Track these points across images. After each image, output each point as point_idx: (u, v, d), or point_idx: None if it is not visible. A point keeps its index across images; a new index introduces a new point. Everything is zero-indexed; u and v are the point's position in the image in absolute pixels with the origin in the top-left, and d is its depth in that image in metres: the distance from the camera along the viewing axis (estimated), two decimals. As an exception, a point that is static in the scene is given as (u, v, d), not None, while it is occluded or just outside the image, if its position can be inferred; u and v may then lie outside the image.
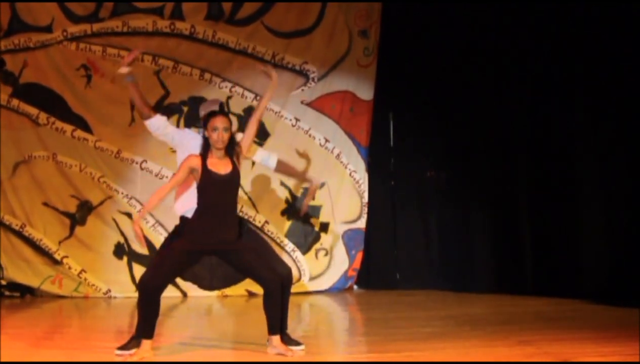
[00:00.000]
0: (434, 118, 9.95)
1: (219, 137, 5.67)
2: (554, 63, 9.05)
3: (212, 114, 5.75)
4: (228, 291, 9.68)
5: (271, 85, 6.04)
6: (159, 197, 5.78)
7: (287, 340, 6.01)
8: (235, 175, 5.73)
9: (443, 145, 9.93)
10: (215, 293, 9.62)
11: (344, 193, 10.19)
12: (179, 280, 9.59)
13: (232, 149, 5.76)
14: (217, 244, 5.65)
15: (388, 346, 6.32)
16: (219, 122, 5.69)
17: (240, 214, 9.86)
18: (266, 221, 9.95)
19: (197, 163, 5.67)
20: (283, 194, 10.03)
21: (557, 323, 7.40)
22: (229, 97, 9.97)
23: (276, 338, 5.76)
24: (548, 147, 9.19)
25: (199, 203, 5.70)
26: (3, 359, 5.57)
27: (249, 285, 9.75)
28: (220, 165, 5.70)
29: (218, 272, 5.94)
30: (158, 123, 6.24)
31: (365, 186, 10.18)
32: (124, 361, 5.66)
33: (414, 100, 10.13)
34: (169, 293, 9.29)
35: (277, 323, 5.76)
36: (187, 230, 5.74)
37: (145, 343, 5.63)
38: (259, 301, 9.39)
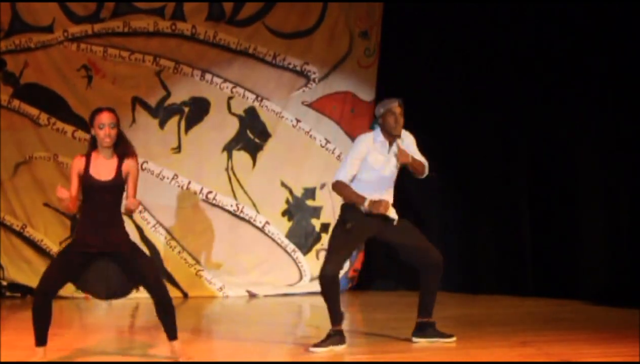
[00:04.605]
0: (435, 119, 9.93)
1: (105, 133, 5.43)
2: (557, 67, 9.04)
3: (97, 111, 5.50)
4: (229, 291, 9.70)
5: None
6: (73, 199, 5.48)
7: (436, 332, 6.26)
8: (116, 182, 5.48)
9: (444, 146, 9.91)
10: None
11: (345, 194, 10.17)
12: (181, 281, 9.65)
13: (122, 148, 5.53)
14: (104, 246, 5.42)
15: (388, 346, 6.33)
16: (105, 118, 5.45)
17: (241, 215, 9.90)
18: (267, 222, 9.95)
19: (80, 166, 5.48)
20: (283, 195, 10.03)
21: (557, 323, 7.40)
22: (230, 98, 9.98)
23: (174, 343, 5.61)
24: (549, 148, 9.19)
25: (82, 205, 5.51)
26: (3, 360, 5.57)
27: (250, 285, 9.81)
28: (103, 169, 5.48)
29: (112, 282, 5.58)
30: (342, 176, 6.24)
31: (366, 187, 10.17)
32: (127, 362, 5.66)
33: (414, 101, 10.06)
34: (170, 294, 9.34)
35: (174, 328, 5.60)
36: (76, 232, 5.59)
37: (38, 350, 5.43)
38: (260, 302, 9.46)
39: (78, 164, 5.51)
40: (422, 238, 6.34)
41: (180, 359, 5.60)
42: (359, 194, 6.18)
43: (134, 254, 5.53)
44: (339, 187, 6.26)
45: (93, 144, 5.55)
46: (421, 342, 6.27)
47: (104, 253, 5.45)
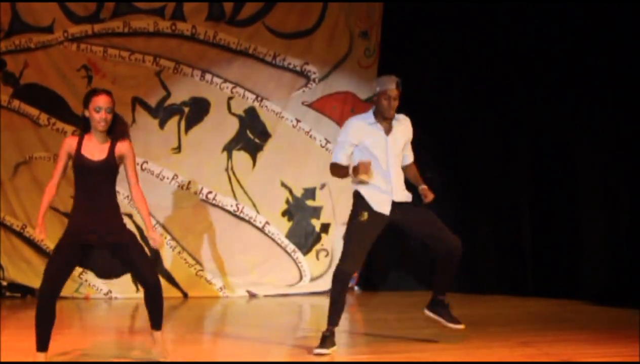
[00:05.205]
0: (435, 119, 9.94)
1: (101, 117, 5.32)
2: (557, 67, 9.05)
3: (93, 93, 5.41)
4: (229, 291, 9.70)
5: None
6: (51, 195, 5.49)
7: (446, 313, 6.23)
8: (109, 162, 5.36)
9: (444, 146, 9.93)
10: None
11: (345, 194, 10.15)
12: (181, 281, 9.65)
13: (117, 132, 5.43)
14: (103, 236, 5.31)
15: (388, 346, 6.33)
16: (102, 102, 5.34)
17: (241, 215, 9.90)
18: (267, 222, 9.95)
19: (72, 146, 5.37)
20: (283, 195, 10.03)
21: (557, 324, 7.40)
22: (230, 98, 9.98)
23: (158, 334, 5.56)
24: (549, 148, 9.20)
25: (75, 190, 5.41)
26: (3, 360, 5.57)
27: (250, 285, 9.80)
28: (96, 150, 5.36)
29: (105, 264, 5.47)
30: (338, 159, 6.11)
31: (366, 187, 10.17)
32: (121, 362, 5.65)
33: (414, 101, 10.08)
34: (169, 294, 9.35)
35: (160, 319, 5.52)
36: (68, 223, 5.45)
37: (39, 356, 5.26)
38: (260, 302, 9.46)
39: (70, 144, 5.41)
40: (438, 224, 6.18)
41: (163, 357, 5.54)
42: (343, 166, 6.05)
43: (132, 244, 5.41)
44: (331, 168, 6.15)
45: (86, 126, 5.42)
46: (429, 316, 6.28)
47: (101, 241, 5.33)
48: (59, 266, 5.31)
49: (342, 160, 6.11)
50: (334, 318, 6.04)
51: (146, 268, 5.43)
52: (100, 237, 5.32)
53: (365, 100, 6.31)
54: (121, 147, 5.44)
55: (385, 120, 6.14)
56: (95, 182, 5.35)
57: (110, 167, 5.39)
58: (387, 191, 6.09)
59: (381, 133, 6.12)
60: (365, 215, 6.06)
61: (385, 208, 6.09)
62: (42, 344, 5.26)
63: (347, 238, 6.13)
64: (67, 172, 5.50)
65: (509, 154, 9.55)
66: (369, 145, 6.09)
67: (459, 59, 9.73)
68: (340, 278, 6.00)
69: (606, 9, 8.53)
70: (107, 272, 5.54)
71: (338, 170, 6.12)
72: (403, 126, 6.26)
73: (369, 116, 6.16)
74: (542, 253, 9.20)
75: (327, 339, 6.00)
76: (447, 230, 6.19)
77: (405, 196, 6.18)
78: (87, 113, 5.39)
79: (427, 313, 6.31)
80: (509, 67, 9.42)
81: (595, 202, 8.87)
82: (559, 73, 9.03)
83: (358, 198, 6.12)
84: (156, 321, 5.54)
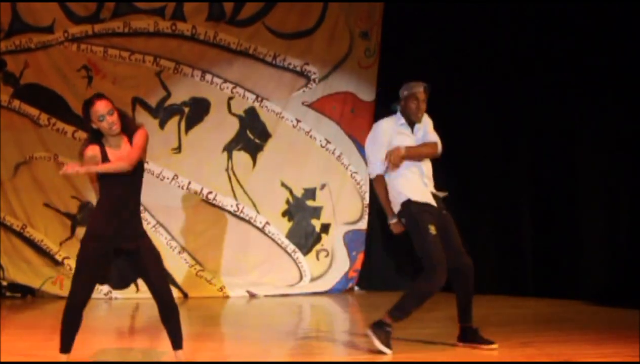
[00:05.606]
0: (435, 119, 9.92)
1: (109, 123, 5.10)
2: (557, 67, 9.05)
3: (89, 104, 5.17)
4: (229, 291, 9.70)
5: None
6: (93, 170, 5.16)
7: (477, 337, 6.00)
8: (137, 168, 5.19)
9: (444, 146, 9.91)
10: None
11: (345, 194, 10.20)
12: (181, 281, 9.65)
13: (129, 129, 5.20)
14: (126, 241, 5.14)
15: (388, 346, 6.32)
16: (101, 108, 5.12)
17: (241, 215, 9.91)
18: (267, 222, 9.96)
19: (98, 156, 5.14)
20: (283, 195, 10.04)
21: (558, 324, 7.40)
22: (230, 98, 9.98)
23: (180, 353, 5.29)
24: (550, 148, 9.20)
25: (101, 198, 5.21)
26: (4, 360, 5.57)
27: (250, 285, 9.81)
28: (121, 155, 5.16)
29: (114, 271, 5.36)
30: (377, 168, 6.05)
31: (366, 188, 10.19)
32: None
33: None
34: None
35: (180, 338, 5.28)
36: (90, 228, 5.23)
37: (61, 356, 5.19)
38: (260, 302, 9.47)
39: (95, 153, 5.17)
40: (456, 238, 6.09)
41: None
42: (391, 208, 6.00)
43: (149, 249, 5.23)
44: (378, 186, 6.08)
45: (97, 135, 5.21)
46: (460, 346, 6.12)
47: (122, 246, 5.17)
48: (86, 278, 5.15)
49: (383, 169, 6.03)
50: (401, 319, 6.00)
51: (158, 279, 5.24)
52: (117, 239, 5.15)
53: (392, 108, 6.21)
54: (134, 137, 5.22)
55: (411, 123, 6.14)
56: (124, 189, 5.19)
57: (137, 173, 5.24)
58: (426, 187, 6.07)
59: (409, 133, 6.14)
60: (433, 229, 5.93)
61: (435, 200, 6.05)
62: (65, 346, 5.20)
63: (426, 255, 5.92)
64: (66, 171, 5.38)
65: (509, 154, 9.56)
66: (399, 143, 6.05)
67: (459, 58, 9.73)
68: (430, 295, 5.91)
69: (606, 9, 8.54)
70: (123, 280, 5.38)
71: (382, 200, 6.06)
72: (424, 124, 6.31)
73: (399, 118, 6.16)
74: (542, 253, 9.20)
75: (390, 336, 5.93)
76: (462, 247, 6.10)
77: (439, 192, 6.15)
78: (94, 126, 5.20)
79: (462, 345, 6.15)
80: (509, 67, 9.42)
81: (595, 202, 8.88)
82: (559, 73, 9.04)
83: (415, 207, 5.99)
84: (176, 341, 5.30)
